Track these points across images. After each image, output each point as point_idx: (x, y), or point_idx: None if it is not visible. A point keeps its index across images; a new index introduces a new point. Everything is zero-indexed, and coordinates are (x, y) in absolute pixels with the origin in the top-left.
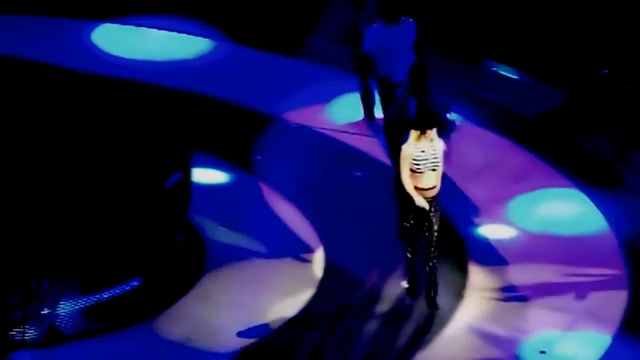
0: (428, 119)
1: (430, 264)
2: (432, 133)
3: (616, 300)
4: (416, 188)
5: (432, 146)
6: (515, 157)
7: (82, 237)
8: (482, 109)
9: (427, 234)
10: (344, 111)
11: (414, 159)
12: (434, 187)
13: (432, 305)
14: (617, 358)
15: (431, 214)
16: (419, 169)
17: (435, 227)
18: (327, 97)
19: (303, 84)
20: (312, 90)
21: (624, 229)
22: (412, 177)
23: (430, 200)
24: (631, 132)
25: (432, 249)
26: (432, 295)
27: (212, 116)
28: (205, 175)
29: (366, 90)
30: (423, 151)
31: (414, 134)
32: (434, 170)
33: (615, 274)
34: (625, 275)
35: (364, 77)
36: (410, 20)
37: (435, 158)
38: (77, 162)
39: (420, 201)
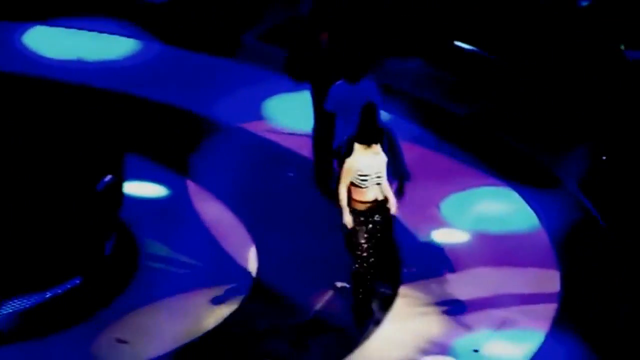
0: (374, 132)
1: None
2: (377, 147)
3: (548, 297)
4: (360, 202)
5: (376, 159)
6: (444, 157)
7: (12, 239)
8: (411, 106)
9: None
10: (280, 112)
11: (360, 174)
12: (375, 201)
13: (367, 311)
14: (550, 354)
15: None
16: (364, 183)
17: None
18: (261, 98)
19: (237, 84)
20: (246, 91)
21: (555, 226)
22: (355, 191)
23: (373, 213)
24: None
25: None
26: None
27: (145, 118)
28: (138, 178)
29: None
30: (367, 165)
31: (359, 147)
32: (378, 184)
33: (547, 271)
34: (558, 272)
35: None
36: (372, 81)
37: (379, 172)
38: (7, 164)
39: (347, 218)
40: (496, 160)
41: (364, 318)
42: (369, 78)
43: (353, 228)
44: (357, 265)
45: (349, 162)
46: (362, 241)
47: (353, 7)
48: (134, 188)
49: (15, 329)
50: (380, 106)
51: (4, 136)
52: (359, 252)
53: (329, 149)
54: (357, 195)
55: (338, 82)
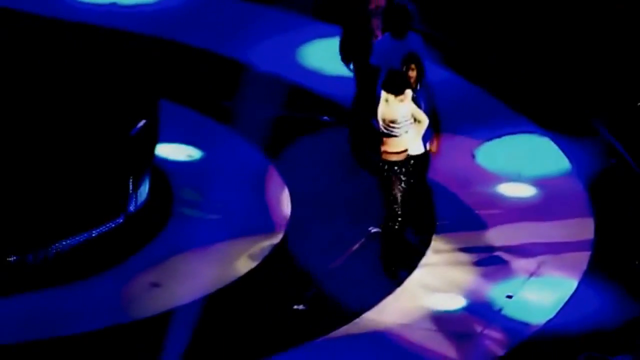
0: (400, 80)
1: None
2: (405, 94)
3: (582, 244)
4: (392, 153)
5: (404, 106)
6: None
7: (51, 183)
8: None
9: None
10: (316, 58)
11: (390, 123)
12: (406, 150)
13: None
14: (583, 302)
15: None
16: (394, 131)
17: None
18: (297, 44)
19: (272, 30)
20: (282, 36)
21: (589, 173)
22: (386, 142)
23: (406, 163)
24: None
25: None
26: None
27: (179, 63)
28: (172, 125)
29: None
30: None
31: (386, 96)
32: (406, 132)
33: (581, 218)
34: (591, 219)
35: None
36: (418, 34)
37: (408, 118)
38: (42, 108)
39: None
40: (531, 107)
41: (396, 265)
42: (414, 32)
43: (386, 179)
44: (390, 213)
45: (379, 112)
46: (396, 192)
47: None
48: (168, 135)
49: (56, 269)
50: (426, 60)
51: (39, 81)
52: (393, 202)
53: (371, 110)
54: (389, 146)
55: (383, 36)
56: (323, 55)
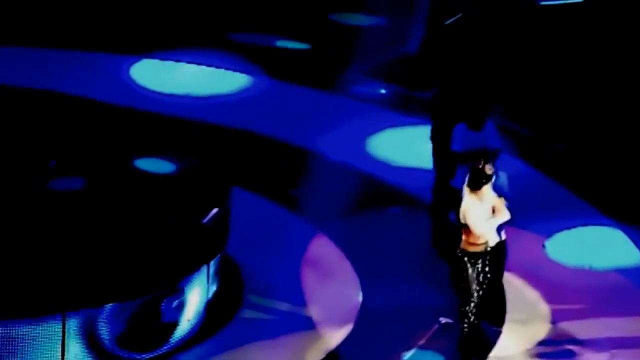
0: (481, 175)
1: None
2: (486, 189)
3: None
4: (472, 244)
5: (486, 202)
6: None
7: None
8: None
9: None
10: (384, 147)
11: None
12: (486, 243)
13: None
14: None
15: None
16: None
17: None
18: (366, 133)
19: (341, 119)
20: (350, 125)
21: None
22: (467, 234)
23: (484, 255)
24: None
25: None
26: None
27: (252, 152)
28: (244, 212)
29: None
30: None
31: (468, 192)
32: (489, 226)
33: None
34: None
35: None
36: (492, 123)
37: (489, 214)
38: (119, 197)
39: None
40: (601, 198)
41: (469, 356)
42: (489, 121)
43: (463, 270)
44: (464, 307)
45: (462, 208)
46: (472, 285)
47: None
48: (241, 222)
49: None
50: (500, 149)
51: (116, 170)
52: (467, 295)
53: (450, 203)
54: (470, 237)
55: (460, 125)
56: (390, 144)
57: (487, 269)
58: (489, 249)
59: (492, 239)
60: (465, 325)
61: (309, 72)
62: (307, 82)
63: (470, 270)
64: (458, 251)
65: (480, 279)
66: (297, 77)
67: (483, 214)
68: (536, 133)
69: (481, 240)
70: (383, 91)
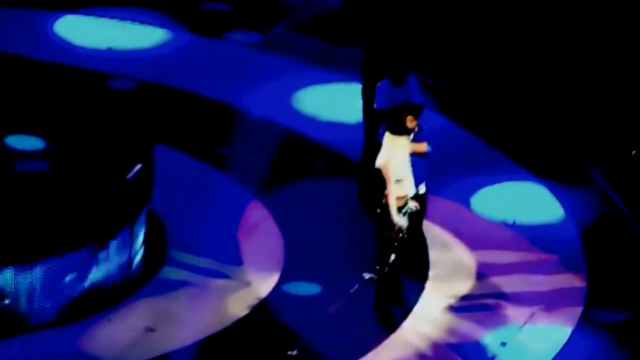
0: (401, 125)
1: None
2: (405, 140)
3: (575, 292)
4: (399, 198)
5: (404, 152)
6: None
7: (43, 228)
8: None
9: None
10: (310, 103)
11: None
12: (405, 196)
13: (392, 304)
14: (577, 349)
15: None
16: (402, 175)
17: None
18: (292, 89)
19: (267, 75)
20: (277, 82)
21: (583, 221)
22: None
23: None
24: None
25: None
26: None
27: (174, 107)
28: (168, 168)
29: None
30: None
31: (390, 139)
32: (407, 177)
33: (575, 266)
34: (584, 267)
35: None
36: (416, 80)
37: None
38: (41, 153)
39: (397, 219)
40: (526, 154)
41: (390, 311)
42: (411, 76)
43: (386, 222)
44: (383, 258)
45: (380, 155)
46: (393, 236)
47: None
48: (164, 178)
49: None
50: (423, 104)
51: (36, 124)
52: (387, 246)
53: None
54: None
55: (383, 82)
56: (317, 101)
57: (409, 221)
58: (409, 202)
59: (411, 188)
60: (386, 279)
61: (232, 29)
62: (230, 39)
63: (392, 223)
64: (380, 205)
65: (401, 231)
66: (219, 34)
67: (402, 161)
68: (461, 90)
69: (401, 193)
70: (306, 47)
